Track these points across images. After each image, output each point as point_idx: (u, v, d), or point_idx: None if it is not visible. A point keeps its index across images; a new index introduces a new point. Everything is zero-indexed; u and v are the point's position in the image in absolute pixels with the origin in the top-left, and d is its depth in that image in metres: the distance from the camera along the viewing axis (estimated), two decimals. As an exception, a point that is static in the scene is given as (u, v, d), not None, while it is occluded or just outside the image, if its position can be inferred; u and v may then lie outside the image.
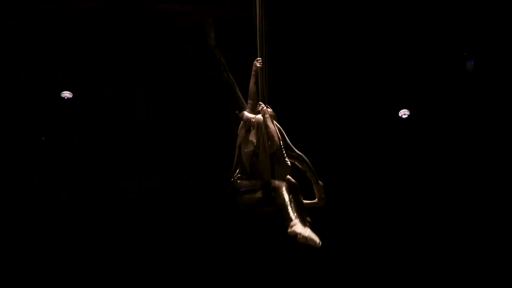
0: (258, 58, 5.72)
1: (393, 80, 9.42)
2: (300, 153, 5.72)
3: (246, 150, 5.61)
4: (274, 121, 5.66)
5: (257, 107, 5.66)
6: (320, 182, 5.76)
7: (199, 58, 9.20)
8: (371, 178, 9.68)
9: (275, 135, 5.55)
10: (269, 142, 5.45)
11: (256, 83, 5.80)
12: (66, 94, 9.31)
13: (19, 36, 9.02)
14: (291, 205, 5.29)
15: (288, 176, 5.64)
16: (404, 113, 9.50)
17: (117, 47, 9.23)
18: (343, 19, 9.16)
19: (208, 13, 9.14)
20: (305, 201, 5.70)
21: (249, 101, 5.83)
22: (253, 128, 5.63)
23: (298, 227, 5.10)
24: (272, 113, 5.66)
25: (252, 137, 5.61)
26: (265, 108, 5.59)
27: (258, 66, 5.74)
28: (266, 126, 5.49)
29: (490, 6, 8.72)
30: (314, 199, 5.78)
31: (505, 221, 9.44)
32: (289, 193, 5.34)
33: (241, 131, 5.68)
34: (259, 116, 5.64)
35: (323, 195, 5.77)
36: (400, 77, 9.39)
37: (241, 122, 5.69)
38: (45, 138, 9.36)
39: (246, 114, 5.73)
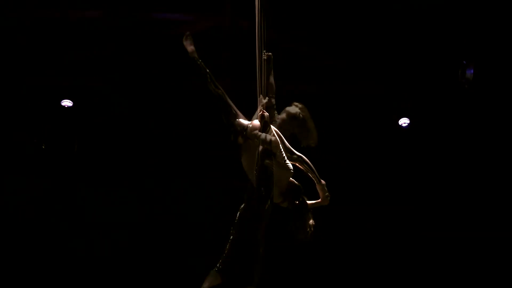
0: (264, 51, 5.62)
1: (393, 88, 9.43)
2: (299, 154, 5.68)
3: (246, 157, 5.57)
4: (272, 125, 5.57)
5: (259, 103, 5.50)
6: (322, 181, 5.69)
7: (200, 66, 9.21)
8: (372, 182, 9.67)
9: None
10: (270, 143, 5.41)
11: (270, 75, 5.72)
12: (66, 102, 9.35)
13: (20, 44, 9.04)
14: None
15: (290, 179, 5.61)
16: (404, 121, 9.52)
17: (117, 56, 9.25)
18: (344, 27, 9.19)
19: (209, 22, 9.21)
20: (309, 202, 5.67)
21: (270, 95, 5.69)
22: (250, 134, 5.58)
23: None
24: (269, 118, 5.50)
25: (251, 144, 5.50)
26: (263, 111, 5.43)
27: (265, 59, 5.63)
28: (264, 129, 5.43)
29: (490, 15, 8.73)
30: (318, 199, 5.72)
31: (503, 224, 9.42)
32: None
33: (239, 140, 5.64)
34: (255, 122, 5.55)
35: (327, 194, 5.70)
36: (400, 85, 9.40)
37: (238, 130, 5.58)
38: (45, 146, 9.37)
39: (241, 121, 5.65)
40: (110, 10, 8.97)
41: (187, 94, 9.34)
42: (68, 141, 9.45)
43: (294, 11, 8.97)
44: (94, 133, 9.56)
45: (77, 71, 9.28)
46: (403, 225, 9.58)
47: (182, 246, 9.49)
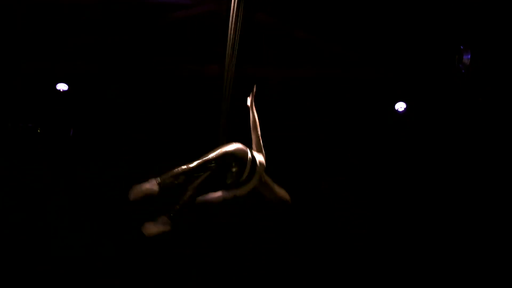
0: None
1: (390, 73, 9.43)
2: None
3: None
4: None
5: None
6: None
7: (196, 52, 9.22)
8: (367, 173, 9.68)
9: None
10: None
11: (253, 116, 5.79)
12: (62, 86, 9.34)
13: (15, 29, 9.03)
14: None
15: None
16: (400, 106, 9.52)
17: (113, 40, 9.24)
18: (341, 13, 9.17)
19: (206, 6, 9.18)
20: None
21: (252, 137, 5.85)
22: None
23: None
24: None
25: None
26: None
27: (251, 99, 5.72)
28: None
29: (486, 0, 8.72)
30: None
31: (503, 219, 9.42)
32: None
33: None
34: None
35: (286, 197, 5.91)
36: (397, 70, 9.40)
37: None
38: (40, 130, 9.37)
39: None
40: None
41: (183, 78, 9.35)
42: (64, 125, 9.45)
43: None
44: (89, 117, 9.55)
45: (72, 55, 9.26)
46: (401, 220, 9.59)
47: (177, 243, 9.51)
